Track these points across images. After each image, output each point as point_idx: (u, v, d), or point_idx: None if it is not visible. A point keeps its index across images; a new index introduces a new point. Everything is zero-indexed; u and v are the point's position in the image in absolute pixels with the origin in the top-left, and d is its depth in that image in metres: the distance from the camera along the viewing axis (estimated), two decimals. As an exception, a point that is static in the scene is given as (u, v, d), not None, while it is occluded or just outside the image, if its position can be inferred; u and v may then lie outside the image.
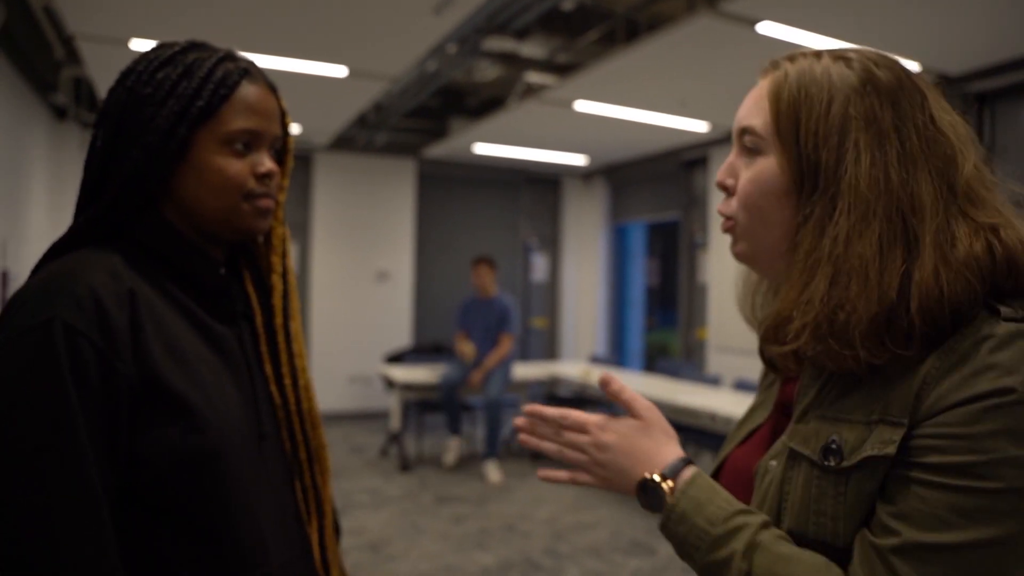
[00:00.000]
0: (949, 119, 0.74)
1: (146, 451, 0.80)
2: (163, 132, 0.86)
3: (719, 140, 6.49)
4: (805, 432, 0.72)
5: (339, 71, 4.71)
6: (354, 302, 7.69)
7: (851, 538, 0.66)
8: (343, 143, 7.41)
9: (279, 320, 1.03)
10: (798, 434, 0.73)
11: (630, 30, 4.61)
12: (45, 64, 4.92)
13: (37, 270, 0.86)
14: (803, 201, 0.74)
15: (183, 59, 0.90)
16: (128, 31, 3.98)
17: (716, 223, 6.55)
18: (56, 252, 0.88)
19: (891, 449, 0.65)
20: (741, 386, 5.14)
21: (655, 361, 7.19)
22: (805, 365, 0.78)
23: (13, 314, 0.79)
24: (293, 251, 7.29)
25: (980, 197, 0.72)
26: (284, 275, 1.05)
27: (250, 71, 0.93)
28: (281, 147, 0.99)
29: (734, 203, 0.81)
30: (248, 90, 0.92)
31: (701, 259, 6.92)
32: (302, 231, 7.56)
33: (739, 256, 0.83)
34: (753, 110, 0.79)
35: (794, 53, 0.79)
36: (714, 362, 6.53)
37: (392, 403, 5.94)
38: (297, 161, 7.42)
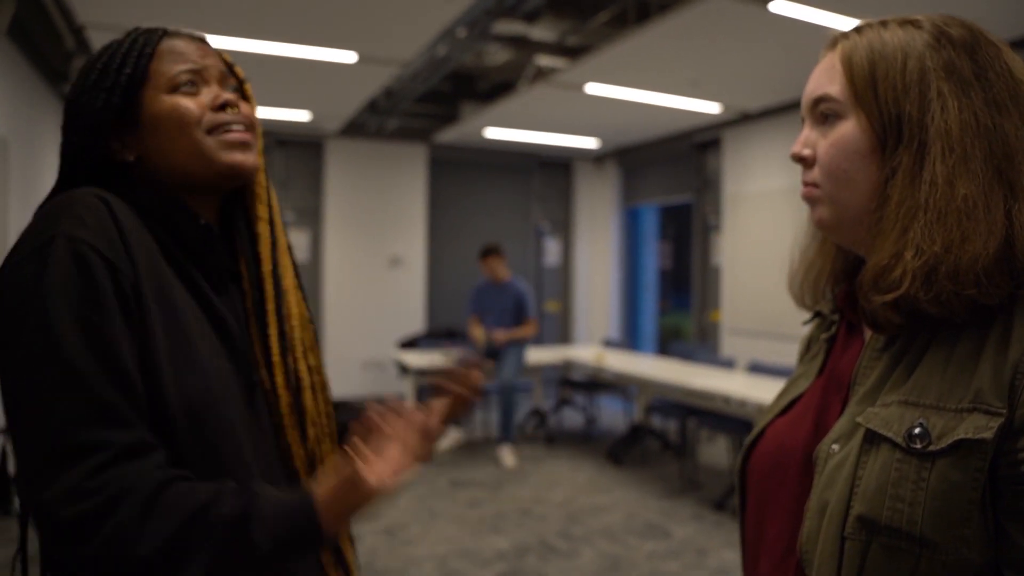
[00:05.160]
0: None
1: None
2: (96, 109, 0.88)
3: (732, 121, 6.43)
4: (886, 415, 0.70)
5: (349, 57, 4.70)
6: (367, 288, 7.71)
7: (927, 527, 0.64)
8: (354, 129, 7.40)
9: (267, 267, 1.00)
10: (876, 417, 0.71)
11: (641, 11, 4.56)
12: (56, 55, 4.93)
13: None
14: (887, 156, 0.74)
15: (102, 56, 0.91)
16: (138, 20, 3.95)
17: (729, 205, 6.52)
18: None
19: (988, 435, 0.64)
20: (755, 368, 5.12)
21: (669, 344, 7.17)
22: (869, 342, 0.78)
23: (18, 244, 0.80)
24: (306, 238, 7.23)
25: None
26: (271, 223, 1.02)
27: (169, 31, 0.95)
28: (240, 92, 0.98)
29: (816, 171, 0.80)
30: (171, 43, 0.93)
31: (714, 241, 6.88)
32: (314, 218, 7.58)
33: (820, 223, 0.82)
34: (825, 79, 0.79)
35: (860, 25, 0.80)
36: (728, 345, 6.51)
37: (406, 388, 5.97)
38: (309, 148, 7.45)
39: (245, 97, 0.99)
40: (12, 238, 0.88)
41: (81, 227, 0.78)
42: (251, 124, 0.95)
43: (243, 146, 0.93)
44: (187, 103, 0.90)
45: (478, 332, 5.69)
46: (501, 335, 5.63)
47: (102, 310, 0.76)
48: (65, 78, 5.36)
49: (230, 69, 0.98)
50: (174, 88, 0.90)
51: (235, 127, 0.92)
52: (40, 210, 0.84)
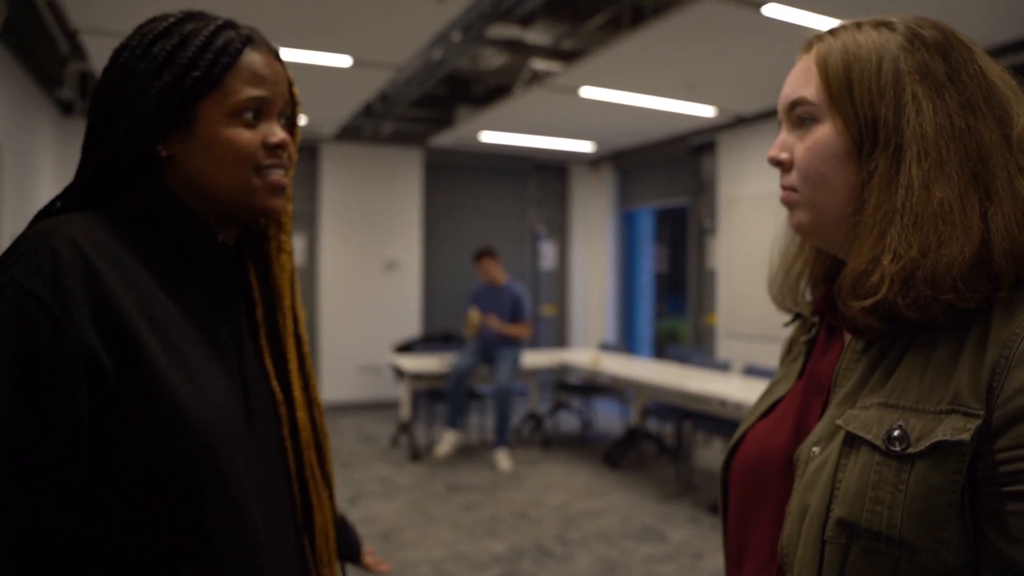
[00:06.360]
0: (998, 71, 0.75)
1: (128, 438, 0.77)
2: (154, 103, 0.83)
3: (727, 124, 6.45)
4: (865, 418, 0.70)
5: (343, 61, 4.70)
6: (363, 292, 7.70)
7: (906, 530, 0.64)
8: (349, 133, 7.40)
9: (287, 302, 0.99)
10: (855, 419, 0.71)
11: (636, 14, 4.57)
12: (50, 59, 4.93)
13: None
14: (864, 159, 0.74)
15: (179, 30, 0.86)
16: (132, 23, 3.96)
17: (724, 208, 6.53)
18: (38, 220, 0.84)
19: (965, 436, 0.64)
20: (751, 371, 5.12)
21: (665, 347, 7.18)
22: (849, 344, 0.78)
23: None
24: (301, 242, 7.23)
25: None
26: (291, 254, 1.02)
27: (253, 38, 0.89)
28: (291, 117, 0.95)
29: (794, 175, 0.80)
30: (253, 57, 0.87)
31: (710, 245, 6.90)
32: (310, 222, 7.57)
33: (798, 227, 0.82)
34: (801, 82, 0.79)
35: (834, 27, 0.79)
36: (724, 348, 6.52)
37: (402, 393, 5.96)
38: (304, 152, 7.43)
39: (294, 119, 0.97)
40: (5, 244, 0.87)
41: (38, 280, 0.74)
42: (292, 164, 0.93)
43: (281, 191, 0.91)
44: (245, 138, 0.86)
45: (474, 315, 5.68)
46: (495, 322, 5.64)
47: (25, 396, 0.73)
48: (59, 82, 5.35)
49: (289, 87, 0.94)
50: (238, 112, 0.85)
51: (279, 171, 0.90)
52: (17, 238, 0.80)
